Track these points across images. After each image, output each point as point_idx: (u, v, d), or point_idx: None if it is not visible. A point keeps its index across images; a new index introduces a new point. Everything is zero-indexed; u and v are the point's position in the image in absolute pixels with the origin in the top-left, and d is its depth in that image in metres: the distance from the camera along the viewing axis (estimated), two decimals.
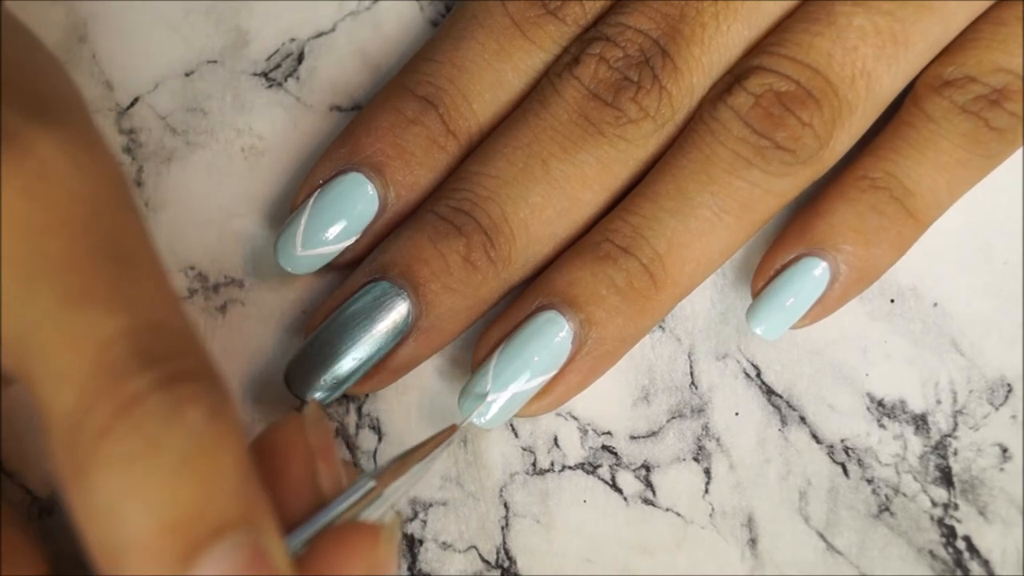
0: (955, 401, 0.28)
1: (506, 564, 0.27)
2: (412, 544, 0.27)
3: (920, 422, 0.28)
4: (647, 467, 0.28)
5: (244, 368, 0.28)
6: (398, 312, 0.26)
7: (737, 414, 0.28)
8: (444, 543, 0.27)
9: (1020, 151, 0.27)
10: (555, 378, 0.26)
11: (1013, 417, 0.28)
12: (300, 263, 0.27)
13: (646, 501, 0.28)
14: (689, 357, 0.28)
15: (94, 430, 0.17)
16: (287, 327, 0.28)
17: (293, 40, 0.29)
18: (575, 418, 0.28)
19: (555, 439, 0.28)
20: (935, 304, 0.29)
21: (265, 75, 0.29)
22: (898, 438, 0.28)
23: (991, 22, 0.27)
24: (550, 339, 0.26)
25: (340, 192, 0.27)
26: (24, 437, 0.27)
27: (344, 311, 0.26)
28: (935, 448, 0.28)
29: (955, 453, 0.28)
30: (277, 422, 0.22)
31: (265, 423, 0.27)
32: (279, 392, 0.27)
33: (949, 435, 0.28)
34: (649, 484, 0.28)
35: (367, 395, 0.28)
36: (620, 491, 0.28)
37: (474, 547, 0.27)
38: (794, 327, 0.27)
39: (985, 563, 0.28)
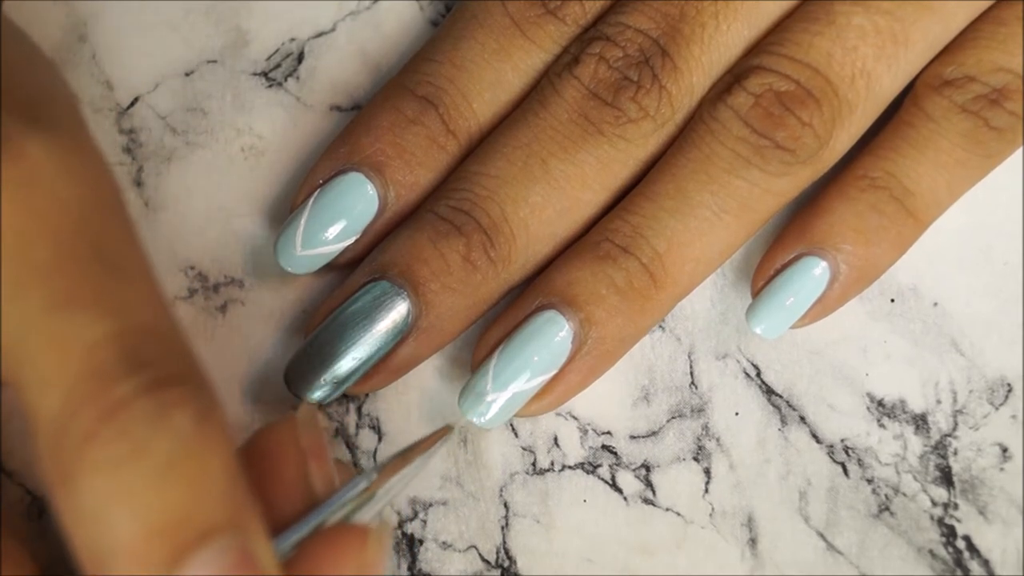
0: (955, 401, 0.28)
1: (506, 564, 0.27)
2: (412, 544, 0.27)
3: (920, 422, 0.28)
4: (647, 467, 0.28)
5: (244, 368, 0.28)
6: (398, 312, 0.26)
7: (737, 414, 0.28)
8: (444, 543, 0.27)
9: (1020, 151, 0.27)
10: (555, 378, 0.26)
11: (1013, 417, 0.28)
12: (300, 263, 0.27)
13: (646, 501, 0.28)
14: (689, 357, 0.28)
15: (80, 434, 0.17)
16: (287, 327, 0.28)
17: (293, 40, 0.29)
18: (575, 418, 0.28)
19: (555, 439, 0.28)
20: (935, 304, 0.29)
21: (265, 75, 0.29)
22: (898, 438, 0.28)
23: (991, 22, 0.27)
24: (550, 339, 0.26)
25: (340, 192, 0.27)
26: (24, 437, 0.27)
27: (344, 311, 0.26)
28: (935, 448, 0.28)
29: (955, 453, 0.28)
30: (269, 424, 0.22)
31: (264, 423, 0.27)
32: (279, 392, 0.27)
33: (949, 435, 0.28)
34: (649, 484, 0.28)
35: (367, 395, 0.28)
36: (620, 491, 0.28)
37: (474, 547, 0.27)
38: (794, 327, 0.27)
39: (985, 563, 0.28)
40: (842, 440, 0.28)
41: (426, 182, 0.27)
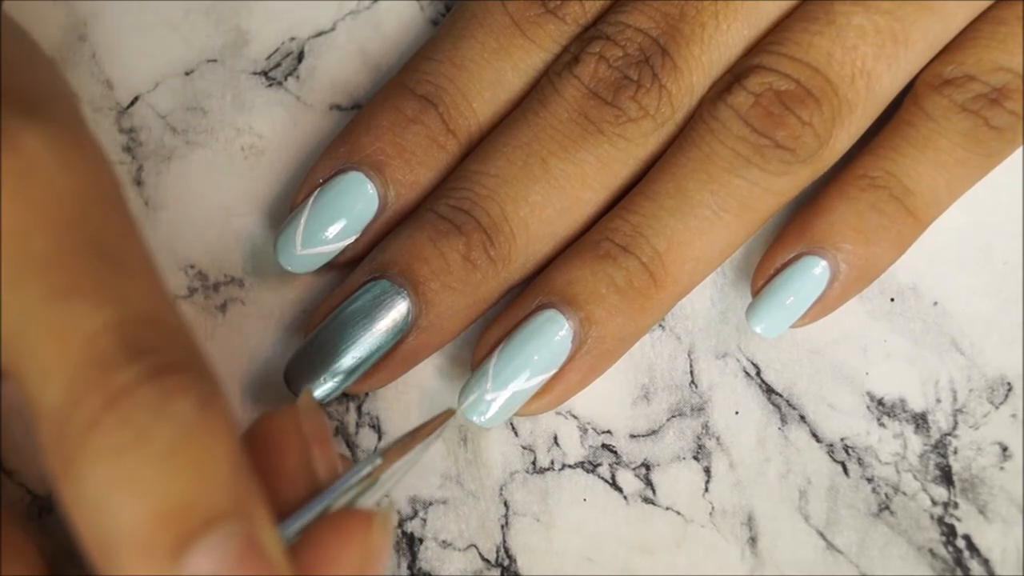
0: (955, 400, 0.28)
1: (506, 563, 0.27)
2: (412, 542, 0.27)
3: (920, 421, 0.28)
4: (647, 466, 0.28)
5: (244, 367, 0.28)
6: (398, 311, 0.26)
7: (737, 413, 0.28)
8: (444, 541, 0.27)
9: (1020, 150, 0.27)
10: (555, 377, 0.26)
11: (1013, 416, 0.28)
12: (300, 262, 0.27)
13: (646, 500, 0.28)
14: (689, 356, 0.28)
15: (83, 423, 0.17)
16: (287, 326, 0.28)
17: (293, 39, 0.29)
18: (575, 417, 0.28)
19: (555, 438, 0.28)
20: (935, 303, 0.29)
21: (265, 74, 0.29)
22: (898, 437, 0.28)
23: (991, 21, 0.27)
24: (550, 338, 0.26)
25: (340, 191, 0.27)
26: (24, 436, 0.27)
27: (344, 310, 0.26)
28: (935, 447, 0.28)
29: (955, 452, 0.28)
30: (271, 411, 0.22)
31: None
32: (279, 391, 0.27)
33: (949, 434, 0.28)
34: (649, 483, 0.28)
35: (367, 394, 0.28)
36: (620, 490, 0.28)
37: (474, 546, 0.27)
38: (794, 326, 0.27)
39: (985, 562, 0.28)
40: (842, 439, 0.28)
41: (426, 181, 0.27)
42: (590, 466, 0.28)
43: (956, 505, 0.28)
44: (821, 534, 0.28)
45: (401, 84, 0.27)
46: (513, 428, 0.28)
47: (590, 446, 0.28)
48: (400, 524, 0.27)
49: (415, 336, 0.26)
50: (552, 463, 0.28)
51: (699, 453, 0.28)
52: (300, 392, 0.26)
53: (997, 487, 0.28)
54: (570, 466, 0.28)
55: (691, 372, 0.28)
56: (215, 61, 0.29)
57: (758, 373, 0.28)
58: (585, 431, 0.28)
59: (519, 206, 0.26)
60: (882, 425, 0.28)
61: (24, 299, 0.18)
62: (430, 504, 0.28)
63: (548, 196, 0.26)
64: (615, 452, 0.28)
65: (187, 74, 0.29)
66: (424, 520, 0.27)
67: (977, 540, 0.28)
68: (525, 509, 0.28)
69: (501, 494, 0.28)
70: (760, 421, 0.28)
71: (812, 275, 0.27)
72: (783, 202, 0.27)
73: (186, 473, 0.17)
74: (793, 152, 0.26)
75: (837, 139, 0.26)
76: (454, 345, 0.28)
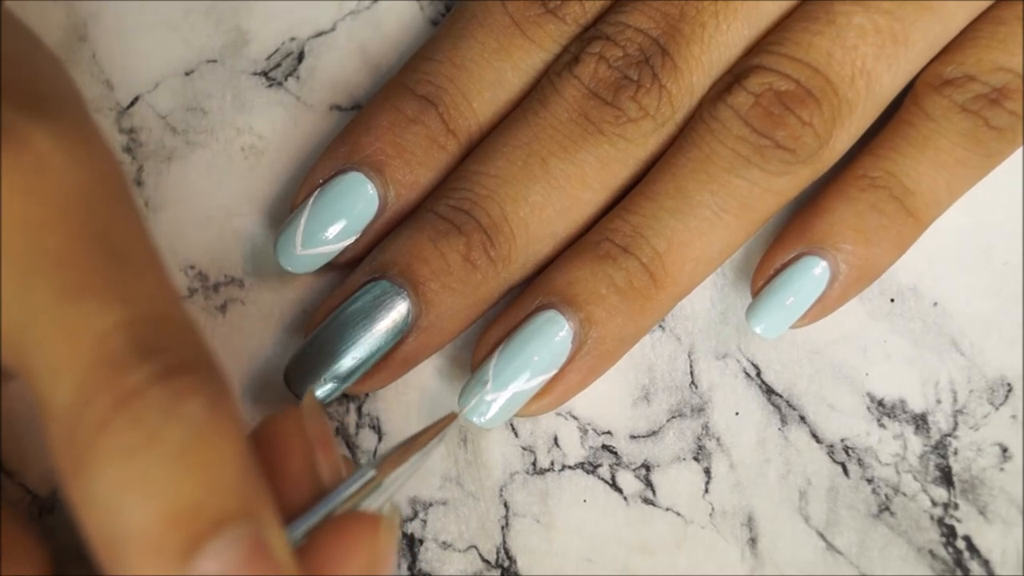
0: (955, 401, 0.28)
1: (506, 564, 0.27)
2: (412, 543, 0.27)
3: (920, 422, 0.28)
4: (647, 467, 0.28)
5: (244, 367, 0.28)
6: (398, 311, 0.26)
7: (737, 414, 0.28)
8: (444, 543, 0.27)
9: (1020, 150, 0.27)
10: (555, 377, 0.26)
11: (1013, 417, 0.28)
12: (300, 262, 0.27)
13: (646, 501, 0.28)
14: (689, 356, 0.28)
15: (93, 423, 0.17)
16: (287, 326, 0.28)
17: (293, 39, 0.29)
18: (575, 418, 0.28)
19: (555, 439, 0.28)
20: (935, 304, 0.29)
21: (265, 74, 0.29)
22: (898, 438, 0.28)
23: (991, 21, 0.27)
24: (550, 338, 0.26)
25: (340, 191, 0.27)
26: (24, 436, 0.27)
27: (344, 310, 0.26)
28: (935, 448, 0.28)
29: (955, 453, 0.28)
30: (274, 414, 0.22)
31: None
32: (279, 391, 0.27)
33: (949, 435, 0.28)
34: (649, 484, 0.28)
35: (367, 394, 0.28)
36: (620, 491, 0.28)
37: (474, 547, 0.27)
38: (794, 326, 0.27)
39: (985, 563, 0.28)
40: (842, 440, 0.28)
41: (426, 181, 0.27)
42: (590, 467, 0.28)
43: (956, 506, 0.28)
44: (821, 535, 0.28)
45: (401, 84, 0.27)
46: (513, 429, 0.28)
47: (590, 447, 0.28)
48: (400, 525, 0.27)
49: (415, 336, 0.26)
50: (552, 464, 0.28)
51: (699, 454, 0.28)
52: (300, 393, 0.26)
53: (997, 488, 0.28)
54: (570, 467, 0.28)
55: (691, 373, 0.28)
56: (215, 61, 0.29)
57: (758, 374, 0.28)
58: (585, 432, 0.28)
59: (519, 206, 0.26)
60: (882, 426, 0.28)
61: (35, 297, 0.18)
62: (430, 505, 0.28)
63: (548, 196, 0.26)
64: (615, 453, 0.28)
65: (187, 74, 0.29)
66: (424, 521, 0.27)
67: (977, 541, 0.28)
68: (525, 510, 0.28)
69: (501, 495, 0.28)
70: (760, 422, 0.28)
71: (812, 275, 0.27)
72: (783, 202, 0.27)
73: (196, 474, 0.17)
74: (793, 152, 0.26)
75: (837, 139, 0.26)
76: (454, 346, 0.28)
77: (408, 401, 0.28)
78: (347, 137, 0.27)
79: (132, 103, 0.29)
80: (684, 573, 0.28)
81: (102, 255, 0.18)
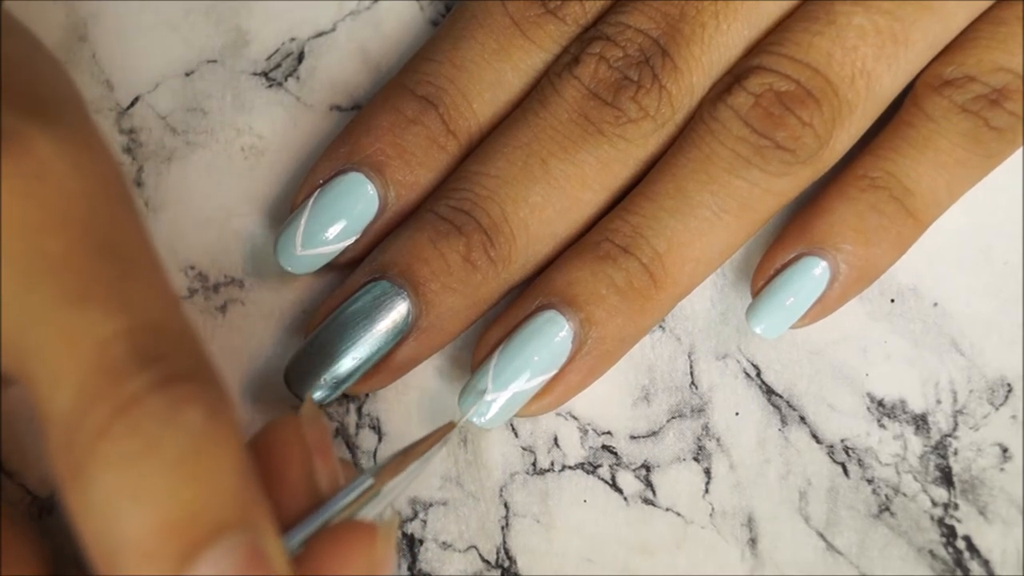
0: (955, 401, 0.28)
1: (506, 564, 0.27)
2: (412, 544, 0.27)
3: (920, 422, 0.28)
4: (647, 467, 0.28)
5: (244, 368, 0.28)
6: (398, 312, 0.26)
7: (737, 414, 0.28)
8: (444, 543, 0.27)
9: (1020, 151, 0.27)
10: (555, 378, 0.26)
11: (1013, 417, 0.28)
12: (300, 263, 0.27)
13: (646, 501, 0.28)
14: (689, 357, 0.28)
15: (92, 430, 0.17)
16: (287, 327, 0.28)
17: (293, 40, 0.29)
18: (575, 418, 0.28)
19: (555, 439, 0.28)
20: (935, 304, 0.29)
21: (265, 75, 0.29)
22: (898, 438, 0.28)
23: (991, 22, 0.27)
24: (550, 339, 0.26)
25: (340, 192, 0.27)
26: (24, 437, 0.27)
27: (344, 311, 0.26)
28: (935, 448, 0.28)
29: (955, 453, 0.28)
30: (273, 421, 0.22)
31: (266, 422, 0.27)
32: (279, 392, 0.27)
33: (949, 435, 0.28)
34: (649, 484, 0.28)
35: (367, 395, 0.28)
36: (620, 491, 0.28)
37: (474, 547, 0.27)
38: (794, 326, 0.27)
39: (985, 563, 0.28)
40: (842, 440, 0.28)
41: (426, 182, 0.27)
42: (590, 467, 0.28)
43: (956, 506, 0.28)
44: (821, 535, 0.28)
45: (401, 85, 0.27)
46: (513, 429, 0.28)
47: (590, 447, 0.28)
48: (400, 525, 0.27)
49: (415, 337, 0.26)
50: (552, 464, 0.28)
51: (699, 454, 0.28)
52: (300, 393, 0.26)
53: (997, 488, 0.28)
54: (570, 467, 0.28)
55: (691, 373, 0.28)
56: (215, 61, 0.29)
57: (758, 374, 0.28)
58: (585, 432, 0.28)
59: (519, 207, 0.26)
60: (882, 426, 0.28)
61: (35, 302, 0.18)
62: (430, 505, 0.28)
63: (548, 197, 0.26)
64: (615, 453, 0.28)
65: (187, 75, 0.29)
66: (424, 521, 0.27)
67: (977, 541, 0.28)
68: (525, 510, 0.28)
69: (501, 495, 0.28)
70: (760, 422, 0.28)
71: (812, 276, 0.27)
72: (783, 203, 0.27)
73: (194, 483, 0.17)
74: (793, 153, 0.26)
75: (837, 140, 0.26)
76: (454, 346, 0.28)
77: (408, 401, 0.28)
78: (347, 137, 0.27)
79: (132, 103, 0.29)
80: (684, 573, 0.28)
81: (103, 261, 0.18)
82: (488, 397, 0.26)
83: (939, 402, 0.28)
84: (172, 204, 0.28)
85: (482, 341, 0.27)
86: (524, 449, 0.28)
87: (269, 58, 0.29)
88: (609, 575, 0.27)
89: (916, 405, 0.28)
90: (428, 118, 0.27)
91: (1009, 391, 0.28)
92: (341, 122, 0.29)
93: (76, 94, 0.21)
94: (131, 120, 0.29)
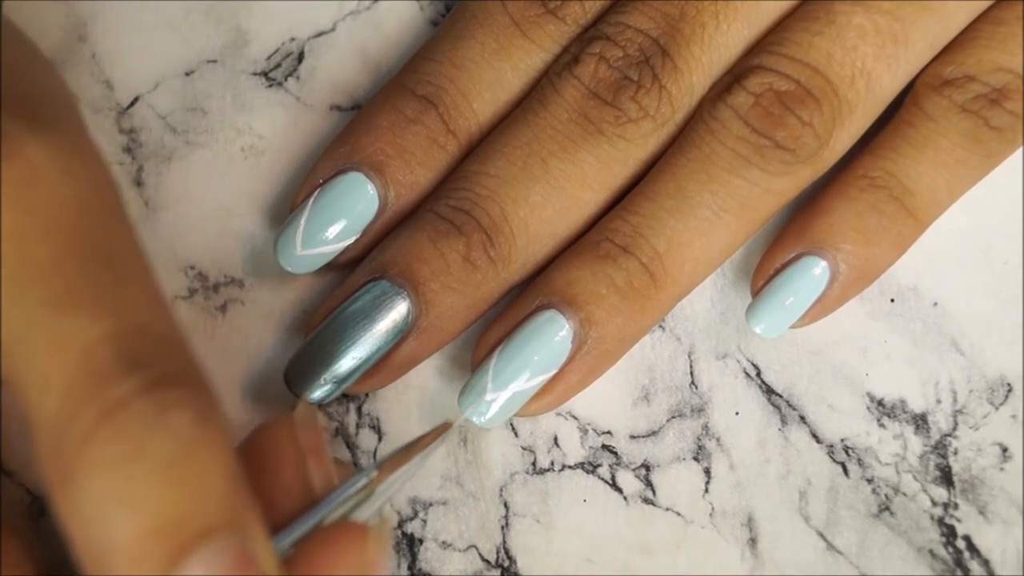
0: (955, 401, 0.28)
1: (506, 563, 0.27)
2: (412, 543, 0.27)
3: (920, 422, 0.28)
4: (647, 467, 0.28)
5: (244, 367, 0.28)
6: (398, 311, 0.26)
7: (737, 414, 0.28)
8: (444, 542, 0.27)
9: (1020, 151, 0.27)
10: (555, 377, 0.26)
11: (1013, 417, 0.28)
12: (300, 262, 0.27)
13: (646, 501, 0.28)
14: (689, 357, 0.28)
15: (79, 435, 0.17)
16: (287, 327, 0.28)
17: (293, 40, 0.29)
18: (575, 417, 0.28)
19: (555, 439, 0.28)
20: (935, 304, 0.29)
21: (265, 75, 0.29)
22: (898, 438, 0.28)
23: (991, 21, 0.27)
24: (550, 338, 0.26)
25: (340, 191, 0.27)
26: (24, 437, 0.27)
27: (344, 310, 0.26)
28: (935, 448, 0.28)
29: (955, 453, 0.28)
30: (267, 422, 0.22)
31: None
32: (279, 391, 0.27)
33: (949, 435, 0.28)
34: (649, 484, 0.28)
35: (367, 394, 0.28)
36: (620, 491, 0.28)
37: (474, 546, 0.27)
38: (794, 326, 0.27)
39: (985, 563, 0.28)
40: (842, 440, 0.28)
41: (426, 182, 0.27)
42: (590, 467, 0.28)
43: (956, 506, 0.28)
44: (821, 535, 0.28)
45: (401, 85, 0.27)
46: (513, 429, 0.28)
47: (590, 447, 0.28)
48: (400, 525, 0.27)
49: (415, 337, 0.26)
50: (552, 464, 0.28)
51: (699, 454, 0.28)
52: (300, 393, 0.26)
53: (997, 488, 0.28)
54: (570, 467, 0.28)
55: (691, 373, 0.28)
56: (215, 61, 0.29)
57: (758, 374, 0.28)
58: (585, 432, 0.28)
59: (519, 206, 0.26)
60: (882, 426, 0.28)
61: (24, 307, 0.18)
62: (430, 505, 0.28)
63: (548, 196, 0.26)
64: (615, 453, 0.28)
65: (187, 74, 0.29)
66: (424, 521, 0.27)
67: (977, 541, 0.28)
68: (525, 510, 0.28)
69: (501, 495, 0.28)
70: (760, 422, 0.28)
71: (812, 275, 0.27)
72: (783, 202, 0.27)
73: (181, 487, 0.18)
74: (793, 152, 0.26)
75: (837, 139, 0.26)
76: (454, 346, 0.28)
77: (408, 401, 0.28)
78: (347, 137, 0.27)
79: (132, 103, 0.29)
80: (684, 573, 0.28)
81: (92, 266, 0.18)
82: (488, 397, 0.26)
83: (939, 402, 0.28)
84: (172, 204, 0.28)
85: (482, 341, 0.27)
86: (524, 449, 0.28)
87: (269, 58, 0.29)
88: (609, 575, 0.27)
89: (916, 405, 0.28)
90: (428, 118, 0.27)
91: (1009, 391, 0.28)
92: (341, 122, 0.29)
93: (69, 99, 0.21)
94: (131, 120, 0.29)
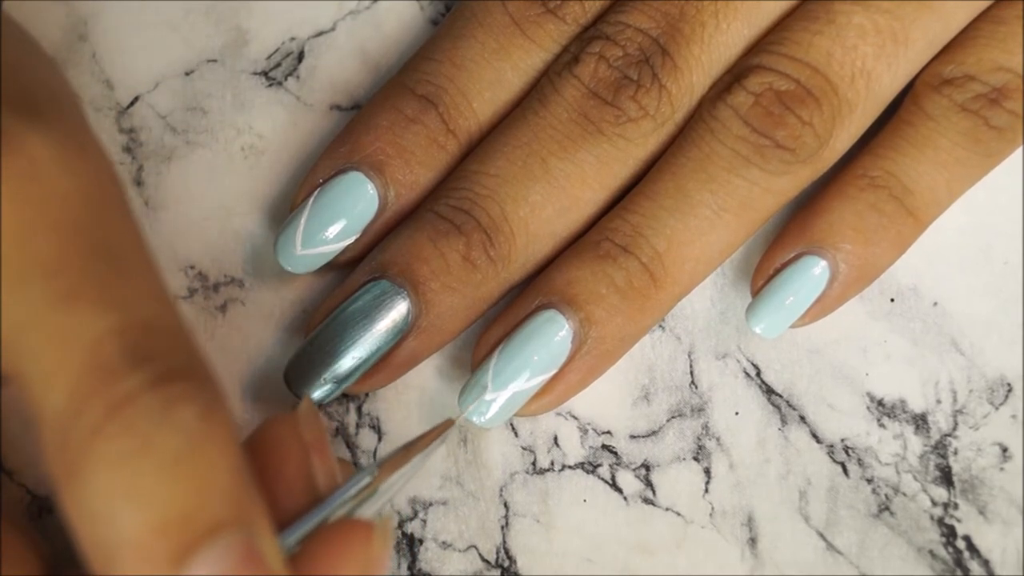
0: (955, 401, 0.28)
1: (506, 564, 0.27)
2: (412, 543, 0.27)
3: (920, 422, 0.28)
4: (647, 466, 0.28)
5: (244, 367, 0.28)
6: (398, 311, 0.26)
7: (737, 413, 0.28)
8: (444, 542, 0.27)
9: (1020, 150, 0.27)
10: (555, 377, 0.26)
11: (1013, 417, 0.28)
12: (300, 262, 0.27)
13: (646, 501, 0.28)
14: (689, 356, 0.28)
15: (86, 430, 0.17)
16: (287, 326, 0.28)
17: (293, 39, 0.29)
18: (575, 417, 0.28)
19: (555, 438, 0.28)
20: (935, 304, 0.29)
21: (265, 74, 0.29)
22: (898, 438, 0.28)
23: (990, 21, 0.27)
24: (550, 338, 0.26)
25: (340, 191, 0.27)
26: (24, 436, 0.27)
27: (344, 310, 0.26)
28: (935, 448, 0.28)
29: (955, 453, 0.28)
30: (270, 419, 0.22)
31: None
32: (279, 391, 0.27)
33: (949, 435, 0.28)
34: (649, 484, 0.28)
35: (367, 394, 0.28)
36: (620, 491, 0.28)
37: (474, 546, 0.27)
38: (793, 326, 0.27)
39: (985, 563, 0.28)
40: (842, 440, 0.28)
41: (426, 181, 0.27)
42: (590, 467, 0.28)
43: (956, 506, 0.28)
44: (821, 535, 0.28)
45: (401, 84, 0.27)
46: (513, 429, 0.28)
47: (590, 447, 0.28)
48: (400, 525, 0.27)
49: (415, 336, 0.26)
50: (552, 464, 0.28)
51: (699, 454, 0.28)
52: (300, 393, 0.26)
53: (997, 488, 0.28)
54: (570, 467, 0.28)
55: (691, 373, 0.28)
56: (215, 61, 0.29)
57: (758, 374, 0.28)
58: (585, 432, 0.28)
59: (519, 206, 0.26)
60: (882, 426, 0.28)
61: (28, 303, 0.18)
62: (430, 505, 0.28)
63: (548, 196, 0.26)
64: (615, 453, 0.28)
65: (187, 74, 0.29)
66: (424, 521, 0.27)
67: (977, 541, 0.28)
68: (525, 510, 0.28)
69: (501, 495, 0.28)
70: (760, 422, 0.28)
71: (812, 275, 0.27)
72: (783, 202, 0.27)
73: (188, 482, 0.17)
74: (793, 152, 0.26)
75: (837, 139, 0.26)
76: (454, 345, 0.28)
77: (408, 401, 0.28)
78: (347, 137, 0.27)
79: (132, 103, 0.29)
80: (684, 573, 0.28)
81: (96, 261, 0.18)
82: (488, 396, 0.26)
83: (939, 402, 0.28)
84: (172, 203, 0.28)
85: (482, 340, 0.27)
86: (524, 449, 0.28)
87: (269, 57, 0.29)
88: (609, 575, 0.27)
89: (916, 405, 0.28)
90: (428, 117, 0.27)
91: (1009, 391, 0.28)
92: (341, 122, 0.29)
93: (71, 95, 0.21)
94: (131, 119, 0.29)
